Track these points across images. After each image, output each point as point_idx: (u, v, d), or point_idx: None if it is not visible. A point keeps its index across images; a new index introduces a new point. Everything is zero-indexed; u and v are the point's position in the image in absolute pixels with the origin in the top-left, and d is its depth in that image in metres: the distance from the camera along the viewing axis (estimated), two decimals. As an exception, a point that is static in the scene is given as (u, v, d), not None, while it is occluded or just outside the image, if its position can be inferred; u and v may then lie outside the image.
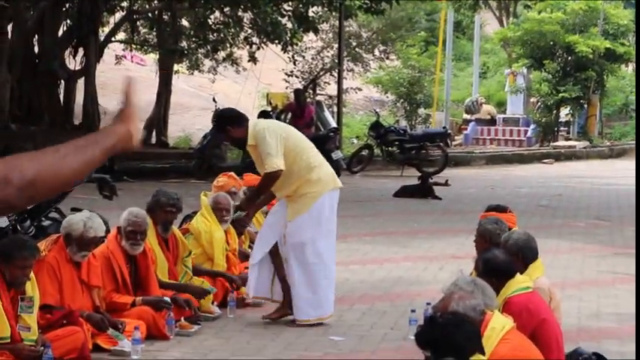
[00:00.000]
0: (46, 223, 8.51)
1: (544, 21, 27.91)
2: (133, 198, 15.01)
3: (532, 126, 28.67)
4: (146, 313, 7.17)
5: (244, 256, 9.38)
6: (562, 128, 28.88)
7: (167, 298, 7.43)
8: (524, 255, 6.71)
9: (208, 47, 23.99)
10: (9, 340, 6.15)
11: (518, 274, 6.34)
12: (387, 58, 27.93)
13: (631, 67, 32.70)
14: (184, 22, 24.63)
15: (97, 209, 9.49)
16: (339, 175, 9.34)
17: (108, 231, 8.99)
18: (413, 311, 7.66)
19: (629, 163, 25.41)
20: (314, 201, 7.85)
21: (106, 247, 7.32)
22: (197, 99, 29.72)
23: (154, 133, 23.99)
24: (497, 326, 5.10)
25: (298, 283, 7.85)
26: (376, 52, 27.38)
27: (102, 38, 23.29)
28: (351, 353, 7.22)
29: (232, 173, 10.19)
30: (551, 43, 27.90)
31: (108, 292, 7.21)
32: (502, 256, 6.40)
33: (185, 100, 28.78)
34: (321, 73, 26.14)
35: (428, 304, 7.86)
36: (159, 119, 23.53)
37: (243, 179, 10.03)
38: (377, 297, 9.01)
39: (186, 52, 23.84)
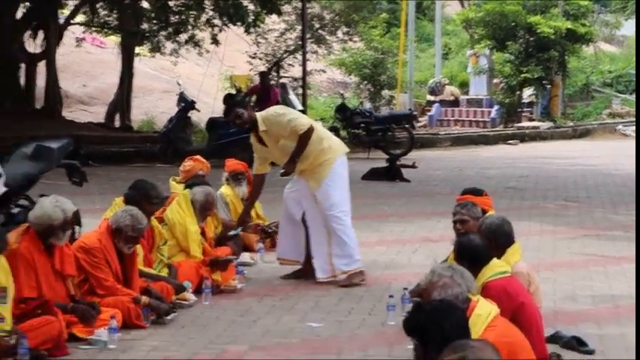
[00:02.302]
0: (15, 210, 8.31)
1: (505, 2, 27.93)
2: (98, 184, 14.86)
3: (495, 107, 28.72)
4: (121, 301, 7.05)
5: (217, 242, 9.33)
6: (525, 109, 28.96)
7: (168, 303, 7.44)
8: (497, 240, 6.66)
9: (170, 29, 23.72)
10: (-17, 332, 6.02)
11: (494, 259, 6.30)
12: (350, 39, 27.79)
13: (592, 48, 32.85)
14: (145, 4, 24.32)
15: (64, 195, 9.34)
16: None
17: (77, 217, 8.87)
18: (391, 297, 7.61)
19: (592, 144, 25.59)
20: (330, 166, 8.73)
21: (98, 241, 7.17)
22: (159, 82, 29.44)
23: (117, 117, 23.73)
24: (483, 313, 5.05)
25: (335, 243, 8.70)
26: (339, 34, 27.23)
27: (61, 21, 22.94)
28: (330, 339, 7.14)
29: (199, 156, 10.11)
30: (513, 24, 27.92)
31: (111, 283, 7.09)
32: (477, 241, 6.34)
33: (147, 83, 28.48)
34: (285, 55, 25.97)
35: (405, 289, 7.84)
36: (122, 102, 23.25)
37: (225, 165, 10.10)
38: (353, 282, 8.94)
39: (147, 34, 23.55)
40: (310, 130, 8.65)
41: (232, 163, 10.48)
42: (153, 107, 27.21)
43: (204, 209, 8.62)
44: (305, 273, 8.97)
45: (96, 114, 25.61)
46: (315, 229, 8.82)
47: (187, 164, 9.86)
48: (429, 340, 4.69)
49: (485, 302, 5.14)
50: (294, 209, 8.92)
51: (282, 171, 8.84)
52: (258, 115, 8.74)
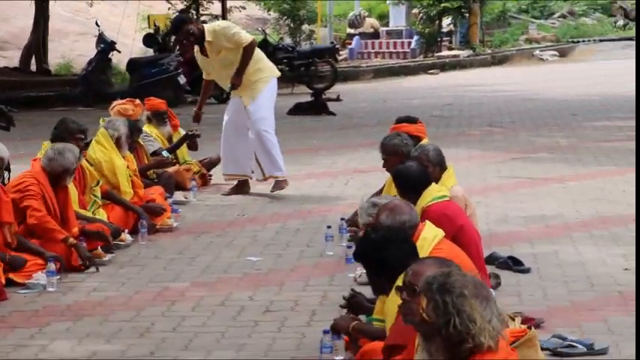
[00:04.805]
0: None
1: None
2: (20, 129, 14.52)
3: (415, 37, 28.73)
4: (60, 247, 6.97)
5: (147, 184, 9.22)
6: (445, 38, 29.05)
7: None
8: (441, 164, 6.81)
9: (84, -30, 23.16)
10: None
11: (433, 183, 6.40)
12: (269, -26, 27.49)
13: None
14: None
15: (-7, 141, 9.15)
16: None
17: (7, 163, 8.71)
18: (329, 227, 7.65)
19: (511, 70, 25.89)
20: (267, 84, 9.53)
21: (34, 179, 7.09)
22: (75, 24, 28.81)
23: (32, 61, 23.16)
24: (429, 236, 5.13)
25: (273, 146, 9.50)
26: (258, -31, 26.92)
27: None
28: (270, 272, 7.18)
29: (135, 100, 9.78)
30: (430, -48, 27.84)
31: (43, 214, 7.02)
32: (415, 168, 6.45)
33: (62, 26, 27.84)
34: (204, -7, 25.55)
35: (342, 219, 7.90)
36: (38, 46, 22.67)
37: (145, 104, 9.87)
38: (288, 215, 8.97)
39: (61, -25, 22.95)
40: (253, 43, 9.40)
41: (154, 103, 10.14)
42: (69, 50, 26.63)
43: (128, 137, 8.54)
44: (242, 187, 9.79)
45: (10, 59, 24.98)
46: (250, 141, 9.59)
47: (129, 108, 9.38)
48: (369, 267, 4.78)
49: (431, 226, 5.21)
50: (235, 128, 9.65)
51: (229, 85, 9.50)
52: (206, 26, 9.52)
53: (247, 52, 9.35)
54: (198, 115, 10.05)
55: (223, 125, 9.81)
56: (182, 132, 10.53)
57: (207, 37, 9.37)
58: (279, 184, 9.62)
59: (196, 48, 9.64)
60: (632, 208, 8.67)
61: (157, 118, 10.15)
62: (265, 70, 9.60)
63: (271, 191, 9.64)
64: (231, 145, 9.72)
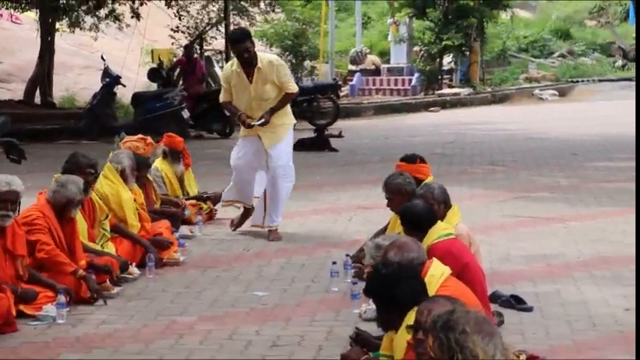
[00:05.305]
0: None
1: (424, -31, 28.12)
2: (27, 162, 14.66)
3: (416, 75, 29.01)
4: (69, 279, 7.07)
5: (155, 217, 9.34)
6: (445, 76, 29.30)
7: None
8: (446, 202, 6.93)
9: (90, 4, 23.41)
10: None
11: (439, 221, 6.52)
12: (273, 10, 27.78)
13: (507, 13, 33.30)
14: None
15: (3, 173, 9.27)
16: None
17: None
18: (334, 263, 7.75)
19: (511, 109, 26.11)
20: (288, 130, 9.65)
21: (40, 212, 7.21)
22: (79, 57, 29.06)
23: (37, 94, 23.36)
24: (436, 273, 5.23)
25: (284, 196, 9.59)
26: (262, 5, 27.20)
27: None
28: (277, 307, 7.27)
29: (142, 136, 9.92)
30: (432, -9, 28.15)
31: (52, 247, 7.14)
32: (421, 206, 6.56)
33: (66, 59, 28.09)
34: (208, 28, 25.84)
35: (347, 255, 8.01)
36: (43, 79, 22.88)
37: (164, 139, 10.07)
38: (293, 250, 9.07)
39: (67, 9, 23.20)
40: (296, 94, 9.67)
41: (173, 140, 10.24)
42: (73, 83, 26.87)
43: (134, 170, 8.67)
44: (248, 214, 9.93)
45: (14, 91, 25.20)
46: (262, 182, 9.73)
47: (140, 146, 9.48)
48: (379, 302, 4.89)
49: (438, 263, 5.31)
50: (253, 167, 9.68)
51: (262, 120, 9.35)
52: (259, 54, 9.40)
53: (288, 98, 9.49)
54: (245, 120, 9.45)
55: (240, 165, 9.70)
56: (192, 173, 10.73)
57: (260, 64, 9.23)
58: (276, 234, 9.52)
59: (237, 66, 9.33)
60: (633, 248, 8.76)
61: (173, 155, 10.30)
62: (289, 116, 9.66)
63: (269, 240, 9.44)
64: (242, 183, 9.78)
